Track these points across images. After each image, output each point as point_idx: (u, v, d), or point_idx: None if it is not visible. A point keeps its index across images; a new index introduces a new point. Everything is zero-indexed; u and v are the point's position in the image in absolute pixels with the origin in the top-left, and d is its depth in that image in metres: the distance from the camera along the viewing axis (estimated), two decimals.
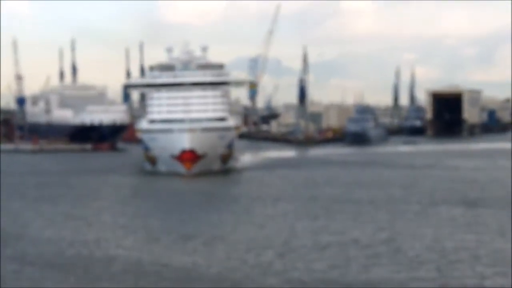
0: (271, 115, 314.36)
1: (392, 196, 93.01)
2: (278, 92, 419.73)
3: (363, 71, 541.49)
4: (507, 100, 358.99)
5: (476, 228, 68.91)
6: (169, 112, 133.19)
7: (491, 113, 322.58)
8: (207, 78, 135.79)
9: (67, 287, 49.91)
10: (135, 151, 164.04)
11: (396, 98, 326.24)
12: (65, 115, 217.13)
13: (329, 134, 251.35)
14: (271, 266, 54.20)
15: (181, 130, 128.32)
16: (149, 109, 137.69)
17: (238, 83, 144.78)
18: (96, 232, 69.74)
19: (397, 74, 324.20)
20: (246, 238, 65.17)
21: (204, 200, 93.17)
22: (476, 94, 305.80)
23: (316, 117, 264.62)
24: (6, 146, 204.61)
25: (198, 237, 65.91)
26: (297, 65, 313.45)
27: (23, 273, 53.74)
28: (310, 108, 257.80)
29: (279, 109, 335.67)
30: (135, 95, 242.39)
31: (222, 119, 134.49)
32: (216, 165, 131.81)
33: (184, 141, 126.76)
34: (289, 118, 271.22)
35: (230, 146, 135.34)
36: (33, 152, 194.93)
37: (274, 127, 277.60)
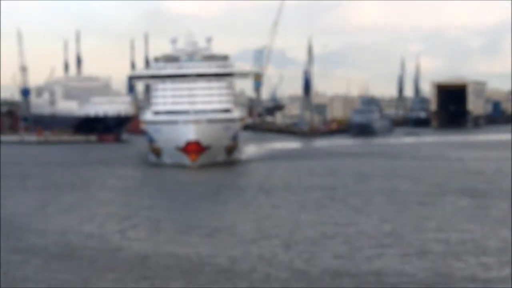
0: (276, 106, 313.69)
1: (397, 187, 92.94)
2: (283, 84, 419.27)
3: (368, 62, 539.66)
4: None
5: (481, 218, 68.97)
6: (173, 103, 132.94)
7: (496, 105, 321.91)
8: (212, 69, 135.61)
9: (72, 277, 50.00)
10: (139, 142, 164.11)
11: (401, 90, 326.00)
12: (69, 107, 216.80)
13: (334, 126, 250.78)
14: (276, 256, 54.24)
15: (186, 122, 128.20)
16: (154, 100, 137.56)
17: (243, 75, 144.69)
18: (101, 223, 69.91)
19: (402, 66, 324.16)
20: (250, 229, 65.20)
21: (209, 192, 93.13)
22: (481, 86, 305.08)
23: (321, 109, 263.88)
24: (11, 137, 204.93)
25: (203, 228, 65.98)
26: (302, 56, 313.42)
27: (28, 263, 53.88)
28: (315, 100, 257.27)
29: (284, 101, 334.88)
30: (140, 86, 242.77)
31: (227, 111, 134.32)
32: (221, 157, 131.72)
33: (189, 133, 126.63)
34: (294, 110, 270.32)
35: (235, 138, 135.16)
36: (38, 143, 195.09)
37: (279, 118, 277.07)
